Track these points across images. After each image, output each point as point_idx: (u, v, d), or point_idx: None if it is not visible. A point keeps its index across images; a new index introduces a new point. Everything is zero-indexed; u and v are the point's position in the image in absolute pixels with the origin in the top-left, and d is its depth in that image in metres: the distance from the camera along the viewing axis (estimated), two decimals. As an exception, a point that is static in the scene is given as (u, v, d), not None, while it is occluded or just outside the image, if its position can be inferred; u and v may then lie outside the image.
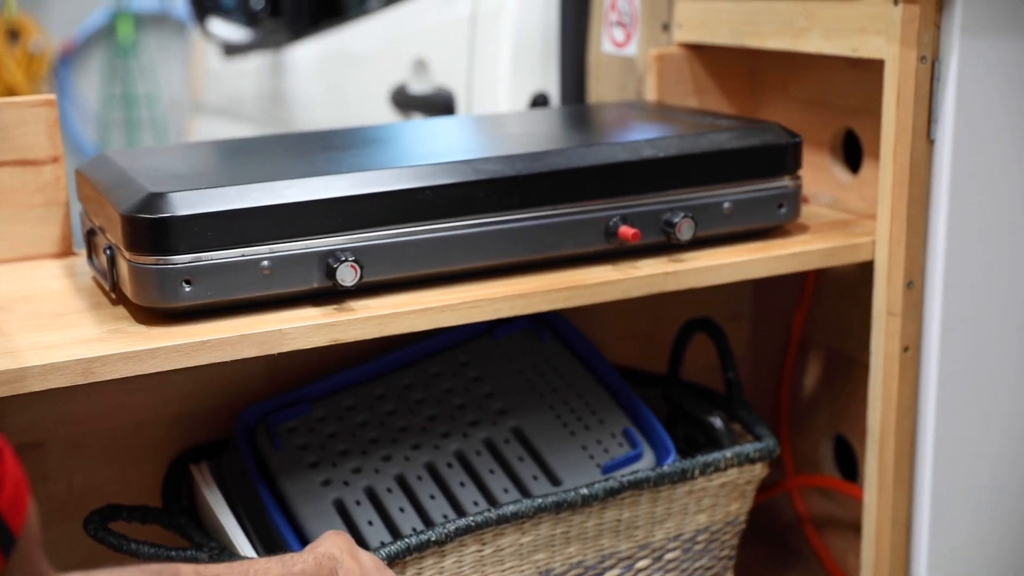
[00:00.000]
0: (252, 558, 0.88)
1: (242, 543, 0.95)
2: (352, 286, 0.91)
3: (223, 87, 2.61)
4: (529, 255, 1.00)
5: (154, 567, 0.75)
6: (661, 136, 1.06)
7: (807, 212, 1.20)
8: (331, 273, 0.91)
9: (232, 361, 0.86)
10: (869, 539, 1.12)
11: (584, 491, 0.99)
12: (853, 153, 1.27)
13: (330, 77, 2.05)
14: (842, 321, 1.28)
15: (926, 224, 1.06)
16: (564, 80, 1.45)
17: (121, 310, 0.93)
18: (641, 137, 1.06)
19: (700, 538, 1.08)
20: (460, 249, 0.96)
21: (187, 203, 0.88)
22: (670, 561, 1.07)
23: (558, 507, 0.98)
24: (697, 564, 1.09)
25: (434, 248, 0.96)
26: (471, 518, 0.95)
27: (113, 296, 0.94)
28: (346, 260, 0.91)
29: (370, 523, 1.00)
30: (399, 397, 1.08)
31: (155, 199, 0.88)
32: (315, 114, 2.10)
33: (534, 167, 0.99)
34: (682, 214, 1.03)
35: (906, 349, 1.07)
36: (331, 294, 0.93)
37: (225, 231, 0.89)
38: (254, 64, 2.33)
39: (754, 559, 1.38)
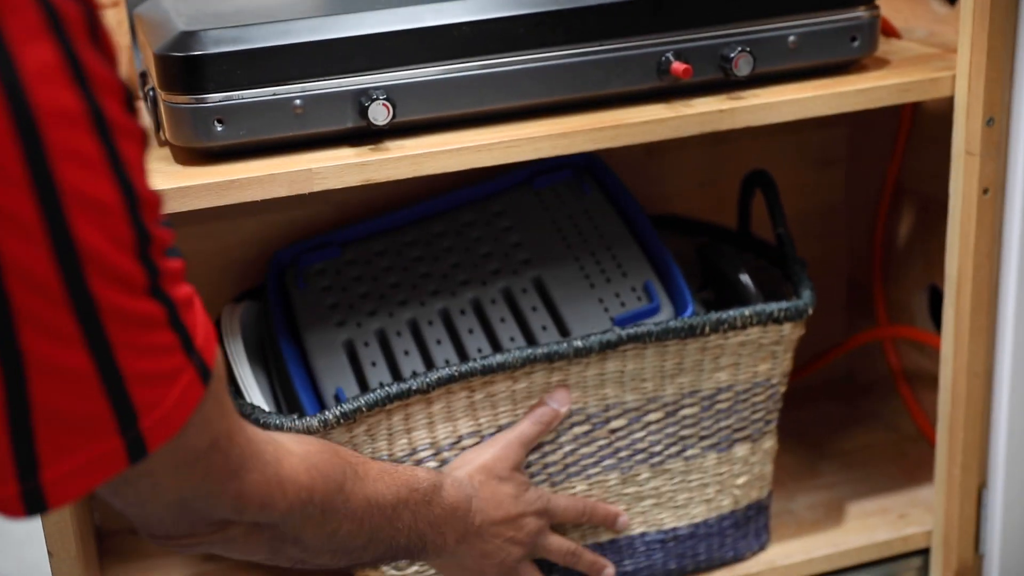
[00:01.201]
0: (412, 468, 0.91)
1: (251, 385, 0.98)
2: (385, 125, 0.90)
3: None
4: (573, 94, 0.96)
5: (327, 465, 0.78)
6: (722, -35, 1.00)
7: (896, 47, 1.12)
8: (363, 112, 0.90)
9: (275, 208, 0.86)
10: (946, 390, 1.07)
11: (578, 343, 0.97)
12: (953, -18, 1.18)
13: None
14: (938, 165, 1.20)
15: (1013, 56, 0.97)
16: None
17: (165, 151, 0.95)
18: (701, -33, 1.00)
19: (722, 397, 1.05)
20: (499, 88, 0.94)
21: (217, 41, 0.88)
22: (686, 417, 1.04)
23: (549, 358, 0.97)
24: (722, 424, 1.06)
25: (472, 87, 0.93)
26: (455, 368, 0.95)
27: (160, 138, 0.96)
28: (378, 99, 0.90)
29: (373, 364, 1.01)
30: (428, 244, 1.08)
31: (186, 38, 0.88)
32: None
33: (577, 0, 0.95)
34: (739, 48, 0.97)
35: (986, 191, 1.00)
36: (365, 135, 0.93)
37: (256, 69, 0.89)
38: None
39: (839, 414, 1.35)
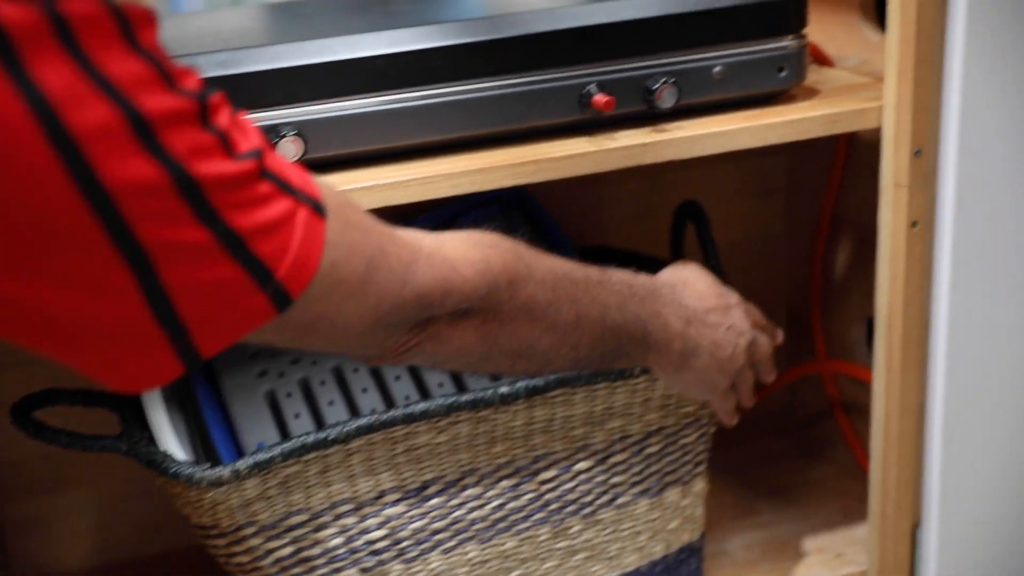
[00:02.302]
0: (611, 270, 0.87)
1: (167, 434, 0.94)
2: (296, 162, 0.87)
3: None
4: (493, 127, 0.94)
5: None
6: (645, -5, 0.98)
7: (827, 75, 1.11)
8: (273, 149, 0.87)
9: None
10: (878, 427, 1.05)
11: (504, 389, 0.94)
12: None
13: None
14: (874, 195, 1.18)
15: (939, 87, 0.96)
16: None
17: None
18: (625, -3, 0.98)
19: (652, 441, 1.02)
20: (416, 122, 0.91)
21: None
22: (617, 464, 1.02)
23: (474, 405, 0.94)
24: (653, 469, 1.03)
25: (387, 121, 0.91)
26: (375, 417, 0.92)
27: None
28: (287, 135, 0.87)
29: (297, 415, 0.98)
30: None
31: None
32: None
33: (496, 32, 0.92)
34: (663, 80, 0.95)
35: (915, 224, 0.99)
36: (277, 171, 0.90)
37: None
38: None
39: (778, 449, 1.33)
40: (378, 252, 0.67)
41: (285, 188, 0.60)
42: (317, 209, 0.62)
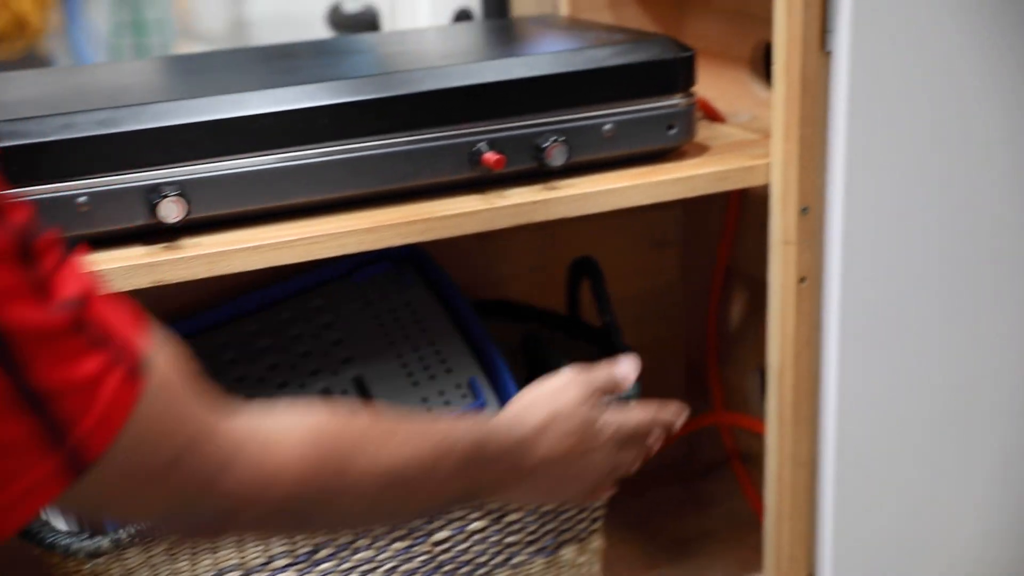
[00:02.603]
0: (450, 422, 0.82)
1: None
2: (177, 223, 0.86)
3: (200, 12, 2.55)
4: (382, 186, 0.93)
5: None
6: (536, 54, 0.98)
7: (718, 131, 1.12)
8: (154, 209, 0.85)
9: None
10: (772, 480, 1.05)
11: None
12: (774, 67, 1.18)
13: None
14: (765, 249, 1.20)
15: (823, 145, 0.97)
16: (484, -6, 1.38)
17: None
18: (515, 55, 0.98)
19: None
20: (303, 181, 0.90)
21: (-7, 136, 0.83)
22: (512, 523, 1.01)
23: None
24: (548, 527, 1.03)
25: (273, 180, 0.89)
26: None
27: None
28: (169, 195, 0.85)
29: None
30: (243, 345, 1.03)
31: (-42, 132, 0.83)
32: (277, 38, 2.03)
33: (384, 90, 0.92)
34: (553, 138, 0.95)
35: (803, 280, 1.00)
36: (160, 232, 0.88)
37: (36, 165, 0.83)
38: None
39: (677, 500, 1.33)
40: (189, 445, 0.61)
41: (102, 344, 0.55)
42: (136, 372, 0.57)
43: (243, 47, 1.53)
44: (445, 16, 1.42)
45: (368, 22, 1.54)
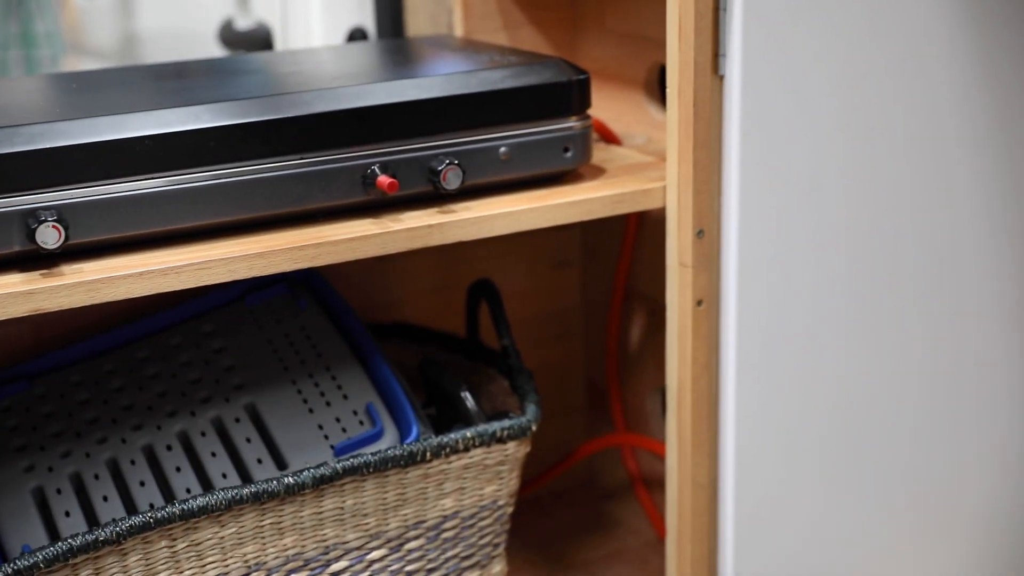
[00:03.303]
0: None
1: None
2: (56, 248, 0.82)
3: (90, 26, 2.50)
4: (272, 210, 0.91)
5: None
6: (429, 75, 0.97)
7: (615, 154, 1.12)
8: (32, 235, 0.82)
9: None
10: (672, 502, 1.05)
11: (289, 479, 0.91)
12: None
13: (176, 12, 1.94)
14: (663, 270, 1.20)
15: (718, 168, 0.97)
16: (379, 13, 1.36)
17: None
18: (409, 76, 0.97)
19: (448, 525, 1.00)
20: (190, 205, 0.87)
21: None
22: (412, 551, 0.99)
23: (258, 497, 0.90)
24: (449, 554, 1.01)
25: (158, 205, 0.86)
26: (150, 514, 0.87)
27: None
28: (47, 220, 0.82)
29: (67, 513, 0.92)
30: (131, 372, 1.00)
31: None
32: (168, 54, 1.99)
33: (274, 111, 0.89)
34: (448, 161, 0.94)
35: (700, 303, 1.00)
36: (39, 258, 0.84)
37: (-96, 191, 0.80)
38: (107, 1, 2.22)
39: (580, 522, 1.32)
40: None
41: None
42: None
43: (130, 65, 1.49)
44: (339, 34, 1.40)
45: (261, 40, 1.51)
